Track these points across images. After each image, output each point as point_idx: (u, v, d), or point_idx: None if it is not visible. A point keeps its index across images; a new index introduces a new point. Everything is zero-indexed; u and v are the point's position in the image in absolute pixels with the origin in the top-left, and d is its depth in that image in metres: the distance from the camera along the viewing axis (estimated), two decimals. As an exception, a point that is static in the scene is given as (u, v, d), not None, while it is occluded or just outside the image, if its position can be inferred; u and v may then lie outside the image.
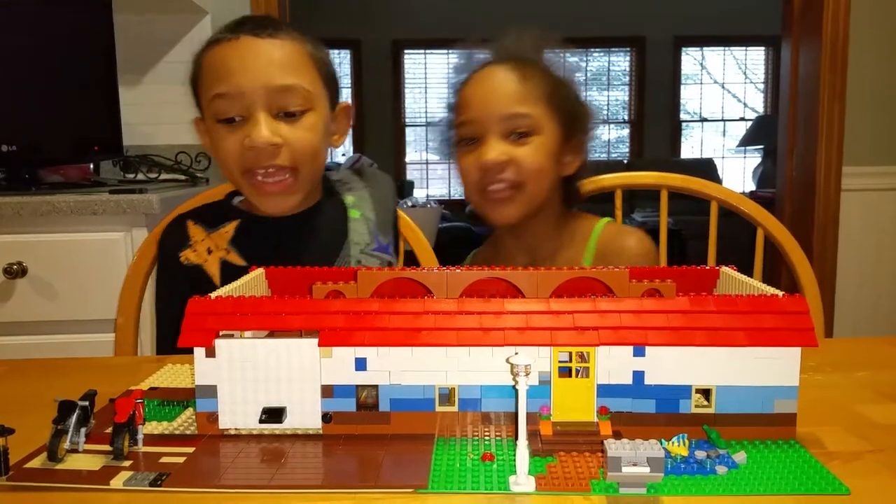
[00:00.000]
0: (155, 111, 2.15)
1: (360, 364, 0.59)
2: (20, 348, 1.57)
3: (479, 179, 1.00)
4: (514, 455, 0.51)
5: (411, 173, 7.14)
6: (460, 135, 1.02)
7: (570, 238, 1.10)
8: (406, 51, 6.94)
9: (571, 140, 1.05)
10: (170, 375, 0.78)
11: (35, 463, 0.55)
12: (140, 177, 2.06)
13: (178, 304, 0.94)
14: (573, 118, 1.04)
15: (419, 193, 6.82)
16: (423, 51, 6.99)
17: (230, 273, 0.99)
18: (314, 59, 1.01)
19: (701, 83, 7.08)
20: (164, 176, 2.05)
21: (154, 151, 2.11)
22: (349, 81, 6.93)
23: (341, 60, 6.96)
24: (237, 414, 0.60)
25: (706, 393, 0.58)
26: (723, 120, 7.15)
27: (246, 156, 0.95)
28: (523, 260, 1.09)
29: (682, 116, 7.02)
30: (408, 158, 7.18)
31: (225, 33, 0.98)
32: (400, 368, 0.58)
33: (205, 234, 1.02)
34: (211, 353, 0.59)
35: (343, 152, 6.95)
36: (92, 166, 2.06)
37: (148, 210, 1.56)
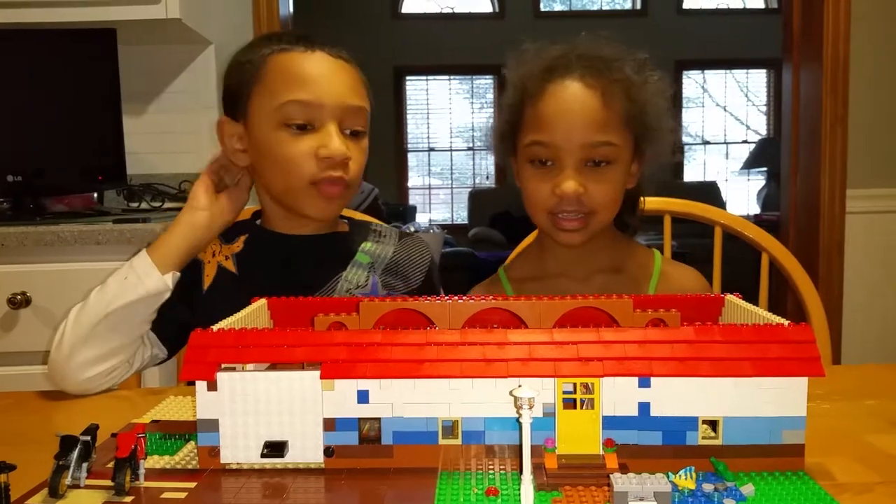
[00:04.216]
0: (159, 140, 2.16)
1: (363, 397, 0.58)
2: (23, 379, 1.56)
3: (552, 205, 0.98)
4: (519, 489, 0.50)
5: (413, 198, 7.16)
6: (533, 153, 0.99)
7: (628, 273, 1.08)
8: (408, 77, 7.00)
9: (638, 151, 1.03)
10: (172, 408, 0.77)
11: (36, 499, 0.55)
12: (144, 206, 2.06)
13: None
14: (644, 131, 1.01)
15: (421, 218, 6.84)
16: (424, 77, 7.06)
17: (222, 278, 1.04)
18: (366, 86, 1.05)
19: (703, 106, 7.11)
20: (168, 205, 2.06)
21: (158, 180, 2.12)
22: (352, 107, 6.99)
23: (344, 87, 7.03)
24: (239, 448, 0.59)
25: (713, 424, 0.57)
26: (725, 143, 7.17)
27: (312, 164, 0.97)
28: (572, 284, 1.06)
29: (685, 139, 7.04)
30: (410, 183, 7.21)
31: (294, 45, 0.99)
32: (402, 401, 0.58)
33: (219, 245, 1.06)
34: (213, 386, 0.59)
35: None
36: (96, 195, 2.07)
37: (152, 239, 1.56)
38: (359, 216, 1.30)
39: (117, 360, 0.92)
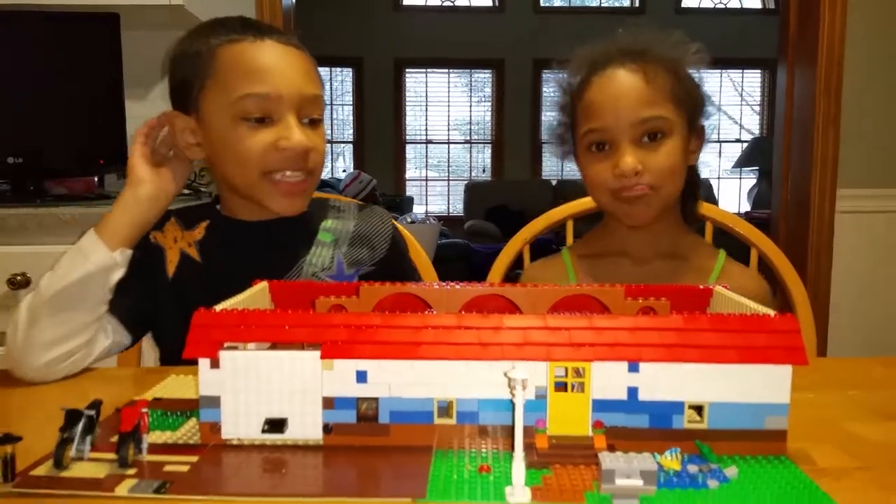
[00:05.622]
0: (160, 126, 2.17)
1: (361, 377, 0.60)
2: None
3: (613, 185, 1.01)
4: (511, 467, 0.52)
5: (411, 189, 7.18)
6: (590, 141, 1.03)
7: (689, 263, 1.10)
8: (407, 69, 7.00)
9: (694, 127, 1.06)
10: (174, 386, 0.79)
11: (41, 470, 0.56)
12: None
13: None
14: (695, 105, 1.05)
15: (419, 210, 6.85)
16: (423, 69, 7.06)
17: (186, 265, 1.03)
18: (317, 70, 1.04)
19: (698, 104, 7.13)
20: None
21: (158, 165, 2.13)
22: (351, 98, 6.99)
23: (344, 78, 7.02)
24: (240, 424, 0.61)
25: (699, 409, 0.59)
26: (719, 141, 7.20)
27: (272, 157, 0.96)
28: (631, 265, 1.09)
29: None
30: (408, 175, 7.22)
31: (243, 33, 0.97)
32: (400, 381, 0.60)
33: (180, 231, 1.05)
34: (215, 364, 0.60)
35: (343, 168, 6.99)
36: (97, 179, 2.08)
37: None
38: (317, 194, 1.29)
39: (74, 344, 0.87)
